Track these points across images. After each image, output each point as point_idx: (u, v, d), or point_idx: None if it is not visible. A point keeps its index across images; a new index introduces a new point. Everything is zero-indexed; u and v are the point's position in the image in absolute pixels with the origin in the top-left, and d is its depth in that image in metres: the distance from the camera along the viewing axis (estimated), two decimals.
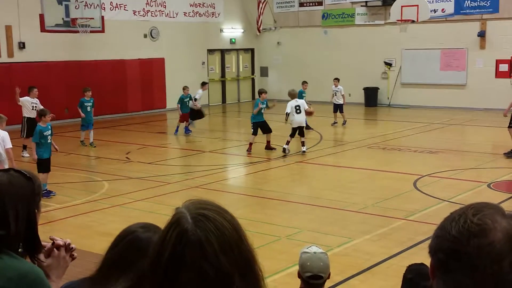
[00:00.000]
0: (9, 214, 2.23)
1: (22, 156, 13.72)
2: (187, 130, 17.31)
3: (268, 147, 14.51)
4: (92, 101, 15.57)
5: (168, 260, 1.38)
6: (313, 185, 11.28)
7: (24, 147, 13.87)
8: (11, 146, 9.34)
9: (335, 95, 18.43)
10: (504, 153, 13.22)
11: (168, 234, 1.40)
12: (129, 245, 2.05)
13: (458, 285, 1.32)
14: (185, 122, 17.39)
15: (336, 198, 9.98)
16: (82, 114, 15.26)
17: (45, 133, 10.38)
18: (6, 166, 9.02)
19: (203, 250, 1.36)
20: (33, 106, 14.06)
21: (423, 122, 19.06)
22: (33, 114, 13.70)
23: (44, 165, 10.33)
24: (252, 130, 14.37)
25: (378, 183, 11.23)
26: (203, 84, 18.60)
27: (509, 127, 13.31)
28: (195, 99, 17.58)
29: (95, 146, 15.16)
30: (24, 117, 14.11)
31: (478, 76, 21.77)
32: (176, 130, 17.39)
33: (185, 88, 17.59)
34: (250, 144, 14.28)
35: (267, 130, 14.52)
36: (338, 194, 10.27)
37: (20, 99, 14.17)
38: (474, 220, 1.32)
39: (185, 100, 17.38)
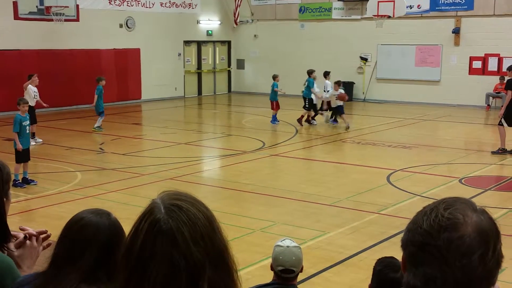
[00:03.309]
0: None
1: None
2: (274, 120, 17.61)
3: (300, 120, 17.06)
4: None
5: (140, 250, 1.39)
6: (287, 179, 11.32)
7: (33, 135, 13.69)
8: None
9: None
10: (492, 152, 13.27)
11: (141, 224, 1.41)
12: (78, 233, 2.01)
13: (428, 278, 1.34)
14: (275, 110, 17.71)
15: (310, 192, 10.03)
16: (94, 104, 15.88)
17: (24, 123, 10.33)
18: None
19: (174, 240, 1.37)
20: (34, 95, 13.99)
21: (398, 117, 19.25)
22: (33, 103, 13.82)
23: (24, 155, 10.30)
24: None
25: (352, 177, 11.32)
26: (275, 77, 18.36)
27: (499, 124, 13.38)
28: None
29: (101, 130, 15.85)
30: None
31: (452, 72, 22.04)
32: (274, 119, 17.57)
33: (276, 77, 17.96)
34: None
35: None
36: (312, 188, 10.32)
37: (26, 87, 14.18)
38: (445, 214, 1.34)
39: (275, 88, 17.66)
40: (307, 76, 17.67)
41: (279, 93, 17.65)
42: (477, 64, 21.57)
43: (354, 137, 15.56)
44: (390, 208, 9.05)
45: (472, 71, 21.70)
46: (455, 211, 1.35)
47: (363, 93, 24.07)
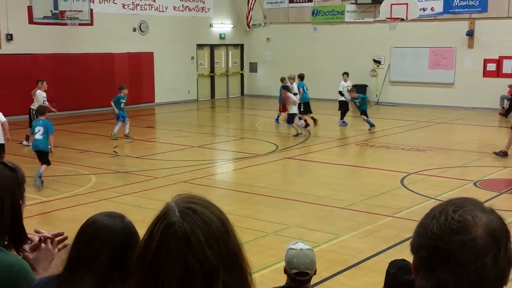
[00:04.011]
0: None
1: (23, 143, 14.23)
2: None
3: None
4: (125, 98, 16.05)
5: (154, 253, 1.39)
6: (300, 182, 11.30)
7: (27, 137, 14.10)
8: (5, 120, 10.71)
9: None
10: (495, 152, 13.20)
11: (155, 227, 1.41)
12: (92, 237, 2.02)
13: (442, 283, 1.32)
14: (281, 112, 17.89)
15: (323, 195, 10.00)
16: (116, 110, 15.68)
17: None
18: (3, 138, 10.52)
19: (188, 243, 1.37)
20: (43, 100, 14.30)
21: (411, 120, 19.16)
22: None
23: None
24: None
25: (365, 180, 11.28)
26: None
27: None
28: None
29: (130, 138, 15.51)
30: (33, 109, 14.22)
31: (466, 75, 21.90)
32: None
33: (284, 79, 18.11)
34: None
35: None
36: (325, 191, 10.29)
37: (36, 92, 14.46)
38: (455, 216, 1.32)
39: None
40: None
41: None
42: (491, 67, 21.41)
43: (367, 140, 15.50)
44: (404, 211, 9.01)
45: (486, 73, 21.55)
46: (464, 213, 1.33)
47: (376, 96, 23.97)
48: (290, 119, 16.21)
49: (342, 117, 17.88)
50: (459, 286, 1.30)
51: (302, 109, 17.33)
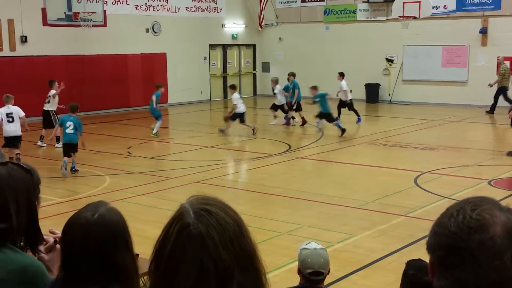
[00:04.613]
0: (10, 207, 2.25)
1: (37, 144, 14.51)
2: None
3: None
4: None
5: (169, 254, 1.40)
6: (313, 181, 11.30)
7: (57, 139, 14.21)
8: (24, 114, 11.89)
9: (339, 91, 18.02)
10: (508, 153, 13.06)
11: (170, 228, 1.43)
12: (82, 236, 1.92)
13: (461, 282, 1.32)
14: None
15: (336, 194, 10.00)
16: (158, 108, 16.11)
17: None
18: (20, 131, 11.69)
19: (204, 244, 1.38)
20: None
21: (424, 118, 19.07)
22: (55, 107, 14.59)
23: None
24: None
25: (378, 179, 11.25)
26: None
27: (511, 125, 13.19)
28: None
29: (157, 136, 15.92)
30: (51, 110, 14.61)
31: (479, 73, 21.73)
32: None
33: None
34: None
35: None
36: (338, 190, 10.29)
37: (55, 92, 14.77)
38: (473, 215, 1.32)
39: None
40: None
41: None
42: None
43: (380, 139, 15.46)
44: (418, 211, 8.98)
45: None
46: (482, 212, 1.33)
47: (389, 94, 23.89)
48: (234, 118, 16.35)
49: (357, 115, 17.81)
50: (480, 285, 1.30)
51: (294, 108, 17.65)
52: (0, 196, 2.26)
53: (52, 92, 14.74)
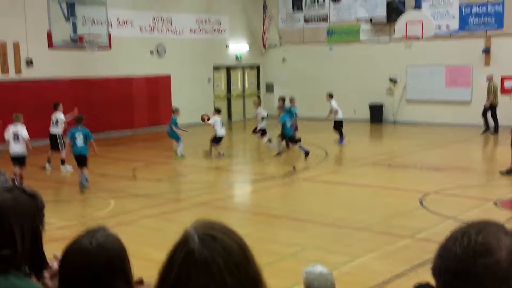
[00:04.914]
0: (15, 233, 2.26)
1: (45, 167, 14.56)
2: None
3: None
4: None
5: (174, 280, 1.40)
6: (317, 203, 11.28)
7: (62, 162, 14.33)
8: (27, 136, 12.20)
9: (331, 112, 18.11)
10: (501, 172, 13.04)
11: (175, 254, 1.43)
12: (80, 264, 1.92)
13: None
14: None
15: (340, 216, 9.97)
16: (180, 132, 16.23)
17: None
18: (25, 152, 12.04)
19: (209, 270, 1.38)
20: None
21: (429, 138, 19.06)
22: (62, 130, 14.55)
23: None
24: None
25: (383, 200, 11.22)
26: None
27: None
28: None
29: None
30: (58, 134, 14.62)
31: (483, 92, 21.75)
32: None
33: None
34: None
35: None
36: (342, 212, 10.26)
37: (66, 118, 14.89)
38: (478, 239, 1.32)
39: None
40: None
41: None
42: (509, 84, 21.28)
43: (384, 160, 15.44)
44: (424, 232, 8.93)
45: (503, 90, 21.39)
46: (487, 236, 1.33)
47: (393, 114, 23.92)
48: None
49: (341, 135, 17.91)
50: None
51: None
52: (4, 222, 2.26)
53: (60, 115, 14.73)
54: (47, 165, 14.56)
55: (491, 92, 19.90)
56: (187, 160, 15.99)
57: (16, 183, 11.40)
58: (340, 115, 18.00)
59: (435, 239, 8.36)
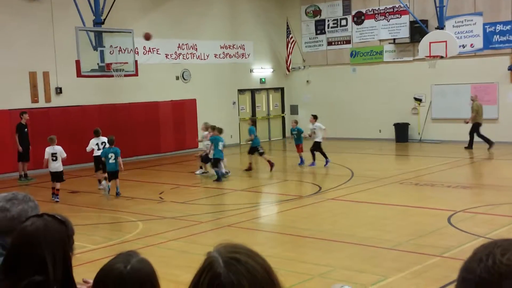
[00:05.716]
0: (47, 259, 2.32)
1: (99, 188, 15.33)
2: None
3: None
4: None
5: None
6: (345, 222, 11.25)
7: (99, 181, 15.45)
8: (65, 155, 14.05)
9: (315, 133, 17.93)
10: None
11: (201, 279, 1.42)
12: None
13: None
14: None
15: (369, 235, 9.93)
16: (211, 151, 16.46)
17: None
18: (61, 167, 13.83)
19: None
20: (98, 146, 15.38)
21: (455, 157, 18.89)
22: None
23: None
24: None
25: (411, 219, 11.15)
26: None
27: None
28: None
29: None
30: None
31: (509, 109, 21.57)
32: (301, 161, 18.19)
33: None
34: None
35: None
36: (370, 231, 10.22)
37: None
38: (504, 260, 1.27)
39: (293, 132, 18.47)
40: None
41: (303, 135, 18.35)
42: None
43: (411, 179, 15.35)
44: (453, 251, 8.85)
45: None
46: None
47: (419, 133, 23.79)
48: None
49: (325, 157, 17.68)
50: None
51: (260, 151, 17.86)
52: (37, 249, 2.32)
53: (105, 139, 15.25)
54: (100, 186, 15.21)
55: (473, 112, 20.28)
56: (213, 183, 16.06)
57: (58, 199, 13.53)
58: (319, 137, 17.75)
59: (464, 257, 8.22)
